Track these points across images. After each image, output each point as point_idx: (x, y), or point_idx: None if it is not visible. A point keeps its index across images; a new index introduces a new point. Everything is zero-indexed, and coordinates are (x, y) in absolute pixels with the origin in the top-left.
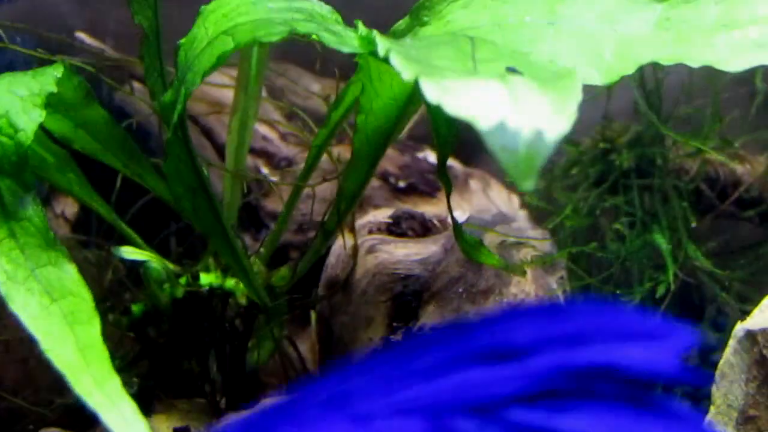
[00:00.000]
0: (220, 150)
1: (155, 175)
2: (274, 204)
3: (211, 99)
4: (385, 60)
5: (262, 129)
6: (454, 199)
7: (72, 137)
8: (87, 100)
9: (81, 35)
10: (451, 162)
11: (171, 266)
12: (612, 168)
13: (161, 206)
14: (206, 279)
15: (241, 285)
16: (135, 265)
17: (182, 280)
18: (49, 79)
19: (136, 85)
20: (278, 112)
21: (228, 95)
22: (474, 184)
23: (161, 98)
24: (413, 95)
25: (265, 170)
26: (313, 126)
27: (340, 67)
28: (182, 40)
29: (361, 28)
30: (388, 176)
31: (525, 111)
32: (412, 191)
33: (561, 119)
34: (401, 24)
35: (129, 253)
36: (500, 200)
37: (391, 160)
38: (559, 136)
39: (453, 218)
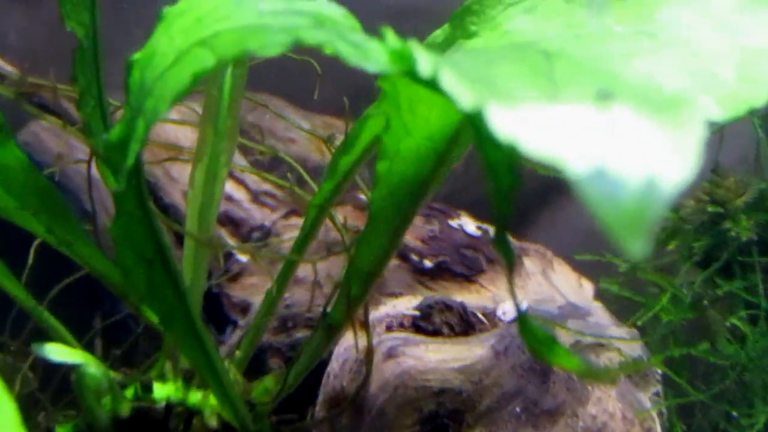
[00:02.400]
0: (165, 213)
1: (90, 244)
2: (243, 292)
3: (154, 140)
4: (430, 82)
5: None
6: (502, 283)
7: None
8: (1, 137)
9: None
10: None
11: (112, 373)
12: (725, 241)
13: (90, 289)
14: (162, 391)
15: (212, 400)
16: (59, 371)
17: (128, 392)
18: None
19: (44, 122)
20: (245, 160)
21: (183, 134)
22: (530, 264)
23: (105, 135)
24: (458, 134)
25: (230, 242)
26: (309, 179)
27: (330, 100)
28: (136, 55)
29: (391, 38)
30: (408, 252)
31: (632, 150)
32: (442, 273)
33: (681, 162)
34: (438, 35)
35: (57, 353)
36: (567, 287)
37: (413, 230)
38: (678, 185)
39: (517, 303)
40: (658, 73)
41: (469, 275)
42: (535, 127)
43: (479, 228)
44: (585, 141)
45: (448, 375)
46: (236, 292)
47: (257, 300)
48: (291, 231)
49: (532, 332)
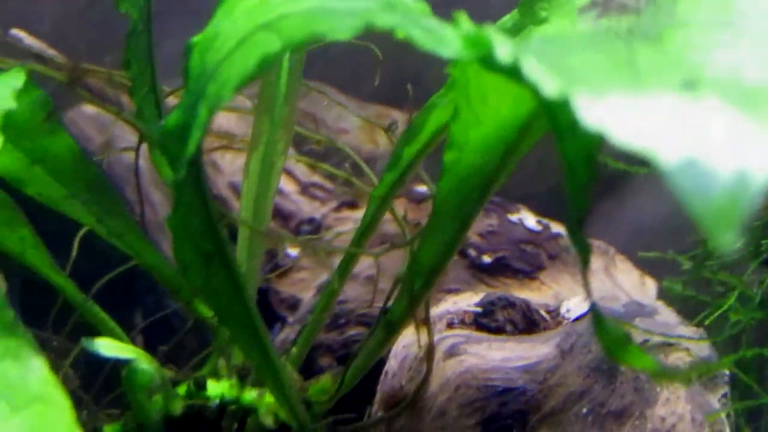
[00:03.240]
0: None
1: (140, 236)
2: (292, 288)
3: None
4: (508, 69)
5: None
6: (564, 281)
7: (25, 177)
8: (49, 124)
9: (18, 33)
10: (557, 227)
11: (164, 370)
12: None
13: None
14: (216, 388)
15: (267, 398)
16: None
17: (180, 390)
18: (5, 90)
19: (89, 108)
20: (294, 150)
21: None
22: (593, 261)
23: (161, 122)
24: (529, 124)
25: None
26: (368, 170)
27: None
28: (196, 38)
29: (466, 23)
30: (466, 247)
31: (722, 142)
32: (502, 269)
33: None
34: (506, 21)
35: (108, 348)
36: (629, 284)
37: None
38: None
39: (592, 300)
40: (740, 63)
41: (529, 271)
42: (623, 117)
43: (539, 222)
44: (674, 132)
45: (512, 374)
46: (285, 287)
47: (306, 296)
48: (342, 224)
49: (607, 331)
